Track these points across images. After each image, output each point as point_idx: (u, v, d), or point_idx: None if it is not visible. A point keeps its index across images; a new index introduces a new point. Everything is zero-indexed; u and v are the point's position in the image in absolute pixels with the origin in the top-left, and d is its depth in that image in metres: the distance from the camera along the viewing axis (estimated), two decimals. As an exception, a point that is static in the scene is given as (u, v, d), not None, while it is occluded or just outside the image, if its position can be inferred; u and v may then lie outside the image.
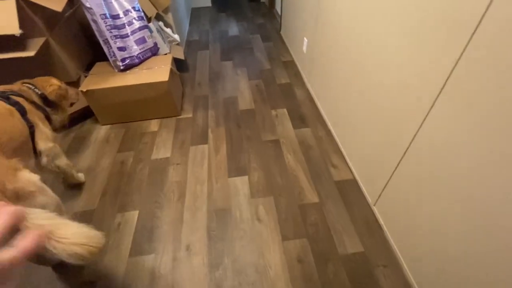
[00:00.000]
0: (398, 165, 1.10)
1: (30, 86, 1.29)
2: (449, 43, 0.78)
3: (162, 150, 1.73)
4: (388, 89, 1.10)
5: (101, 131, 1.89)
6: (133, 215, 1.39)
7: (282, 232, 1.30)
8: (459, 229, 0.82)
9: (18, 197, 0.89)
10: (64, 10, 1.62)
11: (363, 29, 1.24)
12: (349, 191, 1.46)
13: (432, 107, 0.88)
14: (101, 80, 1.79)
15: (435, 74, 0.84)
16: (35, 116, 1.22)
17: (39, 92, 1.31)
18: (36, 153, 1.23)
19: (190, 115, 2.00)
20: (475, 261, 0.78)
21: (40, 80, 1.37)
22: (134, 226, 1.34)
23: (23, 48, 1.56)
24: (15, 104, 1.12)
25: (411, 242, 1.08)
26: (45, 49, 1.64)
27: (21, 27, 1.42)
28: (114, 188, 1.52)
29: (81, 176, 1.56)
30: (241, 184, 1.52)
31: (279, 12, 3.05)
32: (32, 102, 1.24)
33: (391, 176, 1.16)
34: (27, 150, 1.16)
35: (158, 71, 1.86)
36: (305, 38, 2.12)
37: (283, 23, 2.90)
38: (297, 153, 1.67)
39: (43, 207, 0.94)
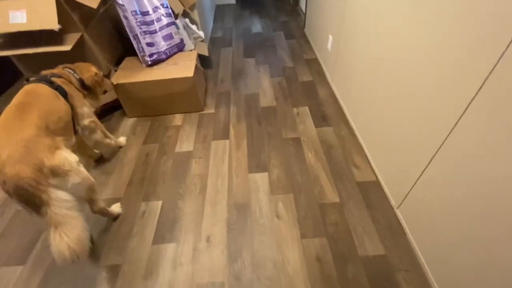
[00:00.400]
0: (425, 168, 1.06)
1: (70, 70, 1.42)
2: (490, 42, 0.74)
3: (185, 144, 1.78)
4: (419, 89, 1.06)
5: (128, 123, 1.97)
6: (157, 205, 1.44)
7: (301, 230, 1.30)
8: (491, 237, 0.78)
9: (53, 174, 0.98)
10: (99, 6, 1.70)
11: (392, 27, 1.20)
12: (372, 193, 1.42)
13: (466, 110, 0.84)
14: (130, 74, 1.87)
15: (471, 75, 0.80)
16: (75, 97, 1.34)
17: (78, 77, 1.43)
18: (76, 131, 1.36)
19: (213, 111, 2.04)
20: (509, 269, 0.74)
21: (80, 66, 1.49)
22: (158, 215, 1.40)
23: (60, 42, 1.66)
24: (58, 88, 1.23)
25: (437, 248, 1.04)
26: (80, 44, 1.74)
27: (59, 22, 1.51)
28: (139, 178, 1.58)
29: (122, 139, 1.79)
30: (261, 180, 1.53)
31: (304, 10, 3.02)
32: (71, 84, 1.37)
33: (417, 180, 1.13)
34: (70, 130, 1.29)
35: (183, 67, 1.90)
36: (330, 36, 2.09)
37: (307, 20, 2.87)
38: (318, 152, 1.66)
39: (75, 186, 1.03)
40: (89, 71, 1.48)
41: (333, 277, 1.13)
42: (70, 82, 1.37)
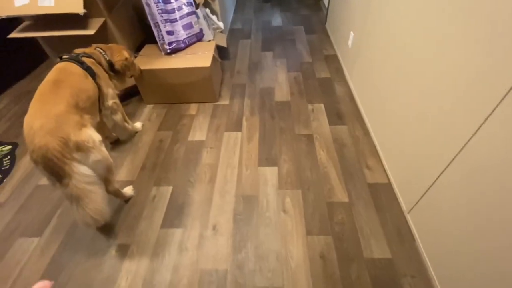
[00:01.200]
0: (440, 174, 1.03)
1: (101, 51, 1.47)
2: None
3: (198, 133, 1.80)
4: (441, 92, 1.02)
5: (145, 110, 2.02)
6: (167, 190, 1.48)
7: (307, 226, 1.30)
8: (505, 249, 0.75)
9: (77, 148, 1.05)
10: (123, -8, 1.73)
11: (418, 27, 1.15)
12: (382, 195, 1.40)
13: (489, 116, 0.80)
14: (149, 61, 1.90)
15: (499, 78, 0.76)
16: (102, 78, 1.40)
17: (107, 58, 1.48)
18: (100, 111, 1.43)
19: (227, 102, 2.05)
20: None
21: (112, 48, 1.54)
22: (168, 200, 1.43)
23: (84, 26, 1.70)
24: (88, 69, 1.29)
25: (446, 257, 1.01)
26: (103, 29, 1.78)
27: (84, 7, 1.55)
28: (152, 163, 1.63)
29: (138, 125, 1.83)
30: (270, 174, 1.53)
31: (326, 4, 2.94)
32: (100, 65, 1.42)
33: (431, 185, 1.09)
34: (96, 109, 1.36)
35: (201, 57, 1.91)
36: (351, 32, 2.03)
37: (329, 15, 2.80)
38: (330, 150, 1.64)
39: (96, 163, 1.09)
40: (120, 55, 1.53)
41: (336, 276, 1.13)
42: (100, 63, 1.43)
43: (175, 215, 1.37)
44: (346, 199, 1.39)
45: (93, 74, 1.32)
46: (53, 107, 1.06)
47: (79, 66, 1.27)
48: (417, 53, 1.17)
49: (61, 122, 1.03)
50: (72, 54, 1.34)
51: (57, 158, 0.98)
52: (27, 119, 1.04)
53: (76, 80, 1.21)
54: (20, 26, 1.77)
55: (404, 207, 1.32)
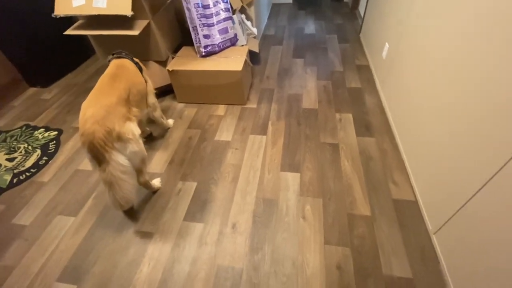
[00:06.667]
0: (474, 195, 0.98)
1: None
2: None
3: (225, 134, 1.86)
4: (479, 112, 0.97)
5: (177, 108, 2.12)
6: (192, 185, 1.54)
7: (326, 235, 1.29)
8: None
9: (119, 138, 1.17)
10: (167, -3, 1.85)
11: (457, 45, 1.11)
12: (407, 213, 1.35)
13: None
14: (184, 63, 2.00)
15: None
16: (146, 73, 1.54)
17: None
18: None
19: (254, 106, 2.09)
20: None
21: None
22: (191, 195, 1.50)
23: (130, 27, 1.84)
24: (137, 63, 1.42)
25: (473, 286, 0.96)
26: (146, 30, 1.91)
27: (132, 9, 1.68)
28: (180, 159, 1.71)
29: (170, 122, 1.95)
30: (292, 179, 1.54)
31: (362, 14, 2.91)
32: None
33: (462, 206, 1.04)
34: (144, 103, 1.49)
35: (233, 61, 1.98)
36: (386, 43, 1.99)
37: (364, 25, 2.76)
38: (355, 161, 1.61)
39: (132, 154, 1.20)
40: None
41: (352, 289, 1.11)
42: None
43: (197, 210, 1.43)
44: (368, 213, 1.36)
45: (141, 69, 1.44)
46: (106, 98, 1.17)
47: (131, 61, 1.40)
48: (455, 71, 1.13)
49: (109, 112, 1.13)
50: (119, 52, 1.46)
51: (100, 145, 1.08)
52: (84, 104, 1.16)
53: (131, 75, 1.34)
54: (75, 25, 1.96)
55: (430, 227, 1.26)
